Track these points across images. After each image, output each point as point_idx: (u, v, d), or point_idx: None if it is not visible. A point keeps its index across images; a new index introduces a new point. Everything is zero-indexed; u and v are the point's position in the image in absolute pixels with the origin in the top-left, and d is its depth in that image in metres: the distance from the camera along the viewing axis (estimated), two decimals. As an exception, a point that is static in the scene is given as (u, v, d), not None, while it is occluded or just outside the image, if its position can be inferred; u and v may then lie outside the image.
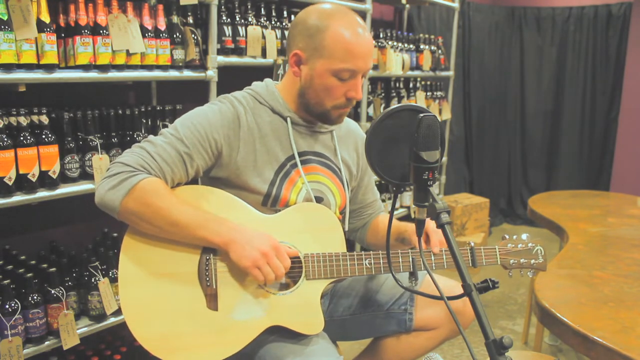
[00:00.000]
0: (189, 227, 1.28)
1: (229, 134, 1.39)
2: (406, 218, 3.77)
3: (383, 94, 3.52)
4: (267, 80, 1.53)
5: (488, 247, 1.51)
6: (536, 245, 1.54)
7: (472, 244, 1.49)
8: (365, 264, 1.41)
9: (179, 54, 2.12)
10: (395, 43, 3.42)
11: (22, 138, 1.69)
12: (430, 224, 1.46)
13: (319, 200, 1.50)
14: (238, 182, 1.42)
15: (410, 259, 1.43)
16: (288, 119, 1.47)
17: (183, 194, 1.38)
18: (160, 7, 2.04)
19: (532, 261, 1.53)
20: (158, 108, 2.18)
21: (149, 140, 1.36)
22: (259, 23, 2.44)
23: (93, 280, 1.90)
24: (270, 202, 1.43)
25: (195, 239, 1.31)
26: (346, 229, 1.60)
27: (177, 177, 1.36)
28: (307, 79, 1.41)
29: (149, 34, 1.99)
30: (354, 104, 1.46)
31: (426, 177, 1.04)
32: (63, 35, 1.82)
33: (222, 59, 2.26)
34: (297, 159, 1.46)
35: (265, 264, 1.28)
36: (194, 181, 1.47)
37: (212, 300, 1.34)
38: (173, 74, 2.11)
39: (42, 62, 1.72)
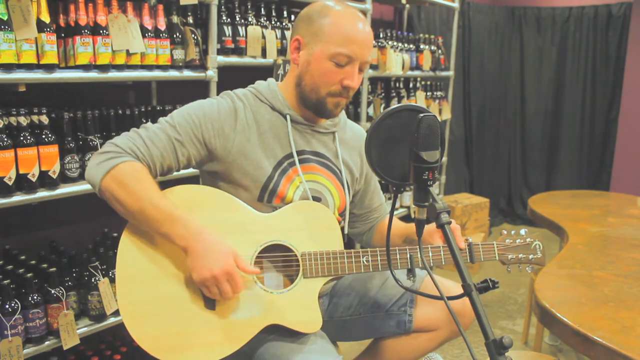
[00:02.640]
0: (155, 220, 1.28)
1: (223, 127, 1.40)
2: (406, 218, 3.77)
3: (383, 94, 3.52)
4: (270, 79, 1.54)
5: (486, 242, 1.51)
6: (534, 240, 1.54)
7: (470, 240, 1.49)
8: (363, 261, 1.41)
9: (179, 54, 2.12)
10: (395, 43, 3.42)
11: (22, 138, 1.69)
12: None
13: (316, 200, 1.49)
14: (234, 177, 1.42)
15: (408, 256, 1.43)
16: (287, 117, 1.47)
17: (183, 192, 1.38)
18: (160, 7, 2.04)
19: (531, 256, 1.52)
20: (158, 108, 2.18)
21: (144, 126, 1.38)
22: (259, 23, 2.44)
23: (93, 280, 1.90)
24: (267, 197, 1.43)
25: (159, 234, 1.30)
26: (346, 231, 1.60)
27: (167, 163, 1.37)
28: (305, 64, 1.43)
29: (149, 34, 1.99)
30: (350, 95, 1.46)
31: (426, 177, 1.04)
32: (63, 35, 1.82)
33: (222, 59, 2.26)
34: (295, 157, 1.46)
35: (213, 285, 1.27)
36: (193, 179, 1.47)
37: (209, 300, 1.34)
38: (173, 74, 2.11)
39: (42, 62, 1.72)
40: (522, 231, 1.56)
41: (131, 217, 1.31)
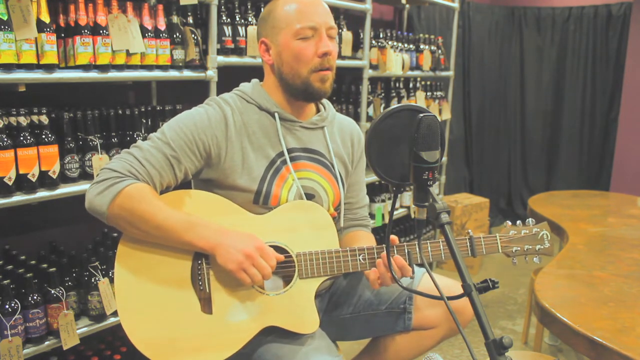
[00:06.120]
0: (175, 232, 1.29)
1: (216, 135, 1.40)
2: (406, 218, 3.77)
3: (383, 94, 3.52)
4: (254, 80, 1.55)
5: (488, 235, 1.47)
6: (541, 229, 1.48)
7: (471, 233, 1.46)
8: (359, 260, 1.41)
9: (179, 54, 2.12)
10: (395, 43, 3.42)
11: (22, 138, 1.69)
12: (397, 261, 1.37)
13: (310, 197, 1.49)
14: (228, 182, 1.42)
15: (406, 252, 1.41)
16: (276, 115, 1.47)
17: (175, 199, 1.38)
18: (160, 7, 2.04)
19: (538, 247, 1.47)
20: (158, 108, 2.18)
21: (136, 146, 1.37)
22: (259, 23, 2.44)
23: (93, 280, 1.90)
24: (262, 200, 1.43)
25: (181, 243, 1.31)
26: (341, 225, 1.60)
27: (166, 181, 1.36)
28: (278, 58, 1.45)
29: (149, 34, 2.00)
30: (332, 64, 1.44)
31: (426, 177, 1.04)
32: (63, 35, 1.82)
33: (222, 59, 2.26)
34: (287, 156, 1.46)
35: (251, 265, 1.28)
36: (186, 184, 1.47)
37: (206, 304, 1.34)
38: (173, 74, 2.11)
39: (42, 62, 1.72)
40: (529, 220, 1.51)
41: (147, 236, 1.31)
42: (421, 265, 1.37)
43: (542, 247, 1.48)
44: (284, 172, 1.46)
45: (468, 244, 1.45)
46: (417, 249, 1.15)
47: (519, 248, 1.47)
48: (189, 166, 1.38)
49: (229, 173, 1.41)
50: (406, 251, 1.42)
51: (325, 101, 1.60)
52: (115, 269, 1.33)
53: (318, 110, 1.58)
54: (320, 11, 1.43)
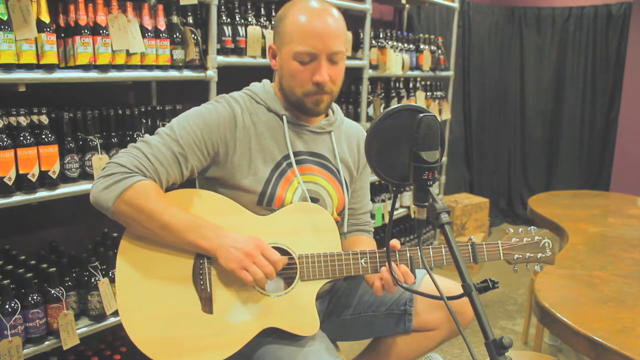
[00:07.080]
0: (179, 231, 1.29)
1: (225, 134, 1.39)
2: (406, 218, 3.77)
3: (383, 94, 3.52)
4: (265, 80, 1.54)
5: (490, 242, 1.47)
6: (543, 237, 1.48)
7: (473, 239, 1.46)
8: (361, 263, 1.40)
9: (179, 54, 2.12)
10: (395, 43, 3.42)
11: (22, 138, 1.69)
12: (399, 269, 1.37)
13: (314, 201, 1.49)
14: (233, 182, 1.42)
15: (408, 257, 1.40)
16: (284, 117, 1.47)
17: (179, 197, 1.37)
18: (160, 7, 2.04)
19: (539, 255, 1.47)
20: (158, 108, 2.18)
21: (144, 140, 1.36)
22: (259, 23, 2.44)
23: (93, 280, 1.90)
24: (266, 201, 1.43)
25: (184, 243, 1.31)
26: (344, 230, 1.59)
27: (172, 178, 1.36)
28: (280, 68, 1.45)
29: (149, 34, 2.00)
30: (328, 90, 1.41)
31: (426, 177, 1.04)
32: (63, 35, 1.82)
33: (222, 59, 2.26)
34: (292, 158, 1.46)
35: (252, 263, 1.27)
36: (191, 182, 1.47)
37: (207, 303, 1.34)
38: (173, 74, 2.11)
39: (42, 62, 1.72)
40: (532, 228, 1.50)
41: (151, 234, 1.31)
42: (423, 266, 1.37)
43: (543, 255, 1.48)
44: (289, 175, 1.45)
45: (470, 250, 1.44)
46: (419, 251, 1.15)
47: (520, 256, 1.47)
48: (196, 164, 1.38)
49: (235, 172, 1.41)
50: (408, 256, 1.41)
51: (334, 105, 1.59)
52: (117, 264, 1.33)
53: (326, 115, 1.57)
54: (325, 35, 1.36)
